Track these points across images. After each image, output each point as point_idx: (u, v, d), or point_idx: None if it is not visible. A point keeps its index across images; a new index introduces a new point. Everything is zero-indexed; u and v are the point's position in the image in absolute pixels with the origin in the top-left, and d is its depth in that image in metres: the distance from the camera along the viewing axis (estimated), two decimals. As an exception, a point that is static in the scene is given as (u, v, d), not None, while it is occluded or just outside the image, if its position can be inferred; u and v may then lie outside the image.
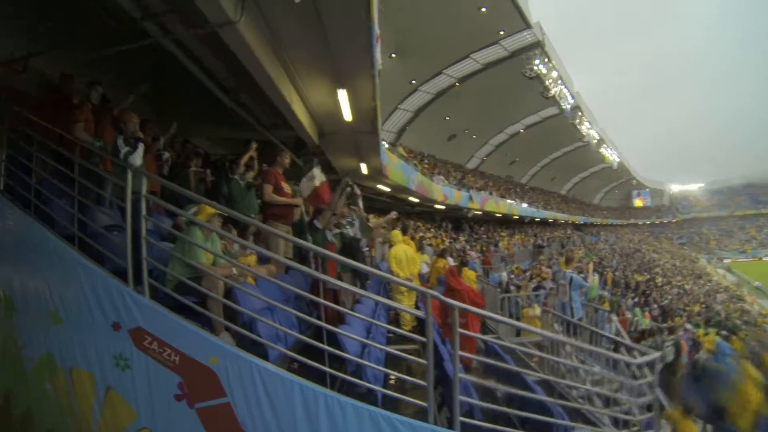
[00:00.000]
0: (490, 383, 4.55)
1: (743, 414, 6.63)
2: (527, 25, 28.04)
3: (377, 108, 8.26)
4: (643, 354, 5.23)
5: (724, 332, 22.50)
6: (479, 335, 4.55)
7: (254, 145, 7.20)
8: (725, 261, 71.02)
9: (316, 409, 3.15)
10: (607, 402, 5.63)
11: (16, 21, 5.54)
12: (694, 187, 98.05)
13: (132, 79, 7.02)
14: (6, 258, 4.73)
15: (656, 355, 4.99)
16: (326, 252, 4.67)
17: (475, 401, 3.70)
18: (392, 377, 4.11)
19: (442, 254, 9.99)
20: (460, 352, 3.45)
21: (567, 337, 7.20)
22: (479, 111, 37.11)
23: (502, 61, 30.98)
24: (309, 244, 4.77)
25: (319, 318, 4.26)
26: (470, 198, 26.43)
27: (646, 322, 16.92)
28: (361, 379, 3.55)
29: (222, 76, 7.02)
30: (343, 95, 7.43)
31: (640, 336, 10.78)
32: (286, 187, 6.19)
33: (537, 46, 30.44)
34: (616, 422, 5.20)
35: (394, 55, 24.90)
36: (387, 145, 15.65)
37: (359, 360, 3.63)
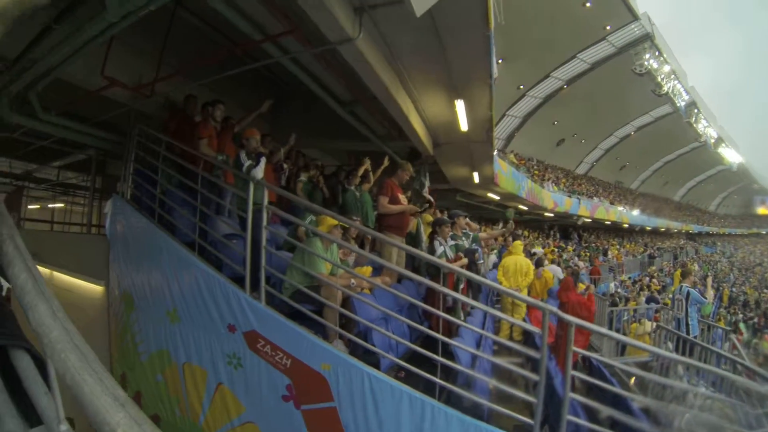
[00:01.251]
0: (597, 405, 4.35)
1: None
2: (634, 17, 26.64)
3: (493, 117, 8.18)
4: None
5: None
6: (589, 353, 4.33)
7: (368, 158, 7.46)
8: None
9: (422, 419, 3.18)
10: None
11: (143, 48, 6.01)
12: None
13: (252, 95, 7.52)
14: (130, 260, 5.28)
15: None
16: (440, 262, 4.69)
17: (583, 422, 3.53)
18: (492, 388, 4.02)
19: (538, 263, 9.67)
20: (579, 374, 3.39)
21: (684, 357, 6.67)
22: (588, 114, 35.81)
23: (611, 58, 29.65)
24: (424, 254, 4.94)
25: (430, 328, 4.29)
26: (580, 205, 25.70)
27: (766, 346, 15.33)
28: (469, 391, 3.51)
29: (338, 89, 7.18)
30: (461, 106, 7.40)
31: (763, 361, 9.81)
32: (403, 199, 6.28)
33: (646, 39, 28.89)
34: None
35: (500, 61, 24.48)
36: (496, 152, 15.53)
37: (472, 372, 3.62)
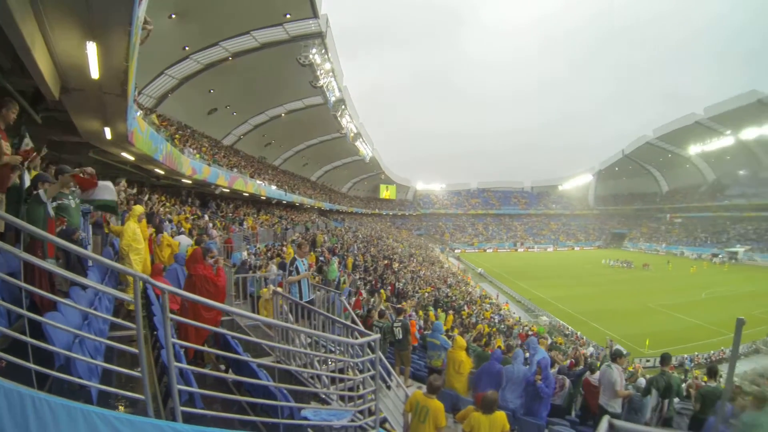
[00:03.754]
0: (205, 371, 4.65)
1: (456, 377, 8.31)
2: (314, 15, 28.70)
3: (129, 70, 7.56)
4: (365, 335, 5.77)
5: (450, 311, 26.78)
6: (197, 323, 4.45)
7: None
8: (456, 251, 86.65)
9: (24, 413, 2.63)
10: (339, 380, 6.01)
11: None
12: (436, 187, 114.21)
13: None
14: None
15: (376, 336, 5.56)
16: (31, 228, 3.73)
17: (195, 389, 3.68)
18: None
19: (158, 230, 9.64)
20: (181, 342, 3.41)
21: (281, 321, 7.30)
22: (245, 89, 36.88)
23: (281, 44, 31.12)
24: (19, 221, 3.93)
25: (31, 306, 3.78)
26: (219, 174, 25.65)
27: (383, 303, 18.76)
28: (71, 374, 3.23)
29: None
30: (92, 49, 6.61)
31: (367, 315, 11.95)
32: (6, 147, 5.25)
33: (318, 37, 31.29)
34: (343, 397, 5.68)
35: (173, 16, 23.24)
36: (140, 113, 14.28)
37: (64, 352, 3.21)
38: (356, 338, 6.09)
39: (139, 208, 8.03)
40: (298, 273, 7.88)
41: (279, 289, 8.36)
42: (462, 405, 7.50)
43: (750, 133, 70.78)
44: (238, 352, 5.35)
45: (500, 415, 5.23)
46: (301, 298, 7.75)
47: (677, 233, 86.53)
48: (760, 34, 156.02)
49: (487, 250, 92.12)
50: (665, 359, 7.24)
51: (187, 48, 27.92)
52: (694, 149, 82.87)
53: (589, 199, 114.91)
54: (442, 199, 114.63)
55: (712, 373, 7.28)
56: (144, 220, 8.22)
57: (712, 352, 25.75)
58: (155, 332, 5.15)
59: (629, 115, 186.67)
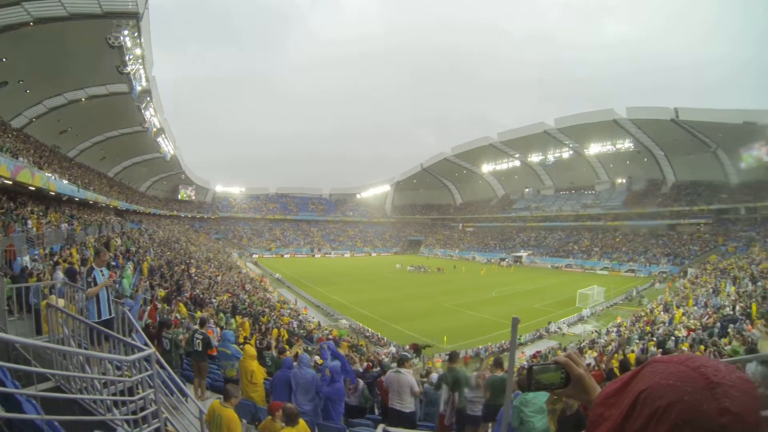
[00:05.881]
0: None
1: (251, 387, 8.23)
2: (133, -8, 26.12)
3: None
4: (139, 350, 5.27)
5: (248, 318, 25.89)
6: None
7: None
8: (254, 256, 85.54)
9: None
10: (123, 403, 5.37)
11: None
12: (235, 190, 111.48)
13: None
14: None
15: (149, 351, 5.15)
16: None
17: None
18: None
19: None
20: None
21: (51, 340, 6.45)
22: (44, 64, 32.24)
23: (91, 18, 27.99)
24: None
25: None
26: (0, 163, 21.70)
27: (182, 310, 17.91)
28: None
29: None
30: None
31: (159, 328, 11.25)
32: None
33: (133, 17, 28.77)
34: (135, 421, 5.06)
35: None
36: None
37: None
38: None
39: None
40: (96, 284, 7.03)
41: (60, 302, 7.38)
42: (261, 415, 7.53)
43: (535, 158, 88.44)
44: (3, 382, 4.55)
45: (303, 425, 5.40)
46: (99, 315, 6.97)
47: (469, 240, 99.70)
48: (553, 78, 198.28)
49: (285, 256, 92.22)
50: (453, 356, 8.14)
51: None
52: (486, 167, 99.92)
53: (386, 208, 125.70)
54: (241, 202, 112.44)
55: (498, 363, 8.61)
56: None
57: (503, 341, 28.70)
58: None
59: (438, 134, 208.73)
